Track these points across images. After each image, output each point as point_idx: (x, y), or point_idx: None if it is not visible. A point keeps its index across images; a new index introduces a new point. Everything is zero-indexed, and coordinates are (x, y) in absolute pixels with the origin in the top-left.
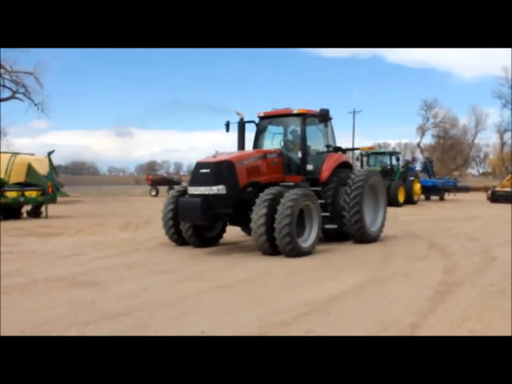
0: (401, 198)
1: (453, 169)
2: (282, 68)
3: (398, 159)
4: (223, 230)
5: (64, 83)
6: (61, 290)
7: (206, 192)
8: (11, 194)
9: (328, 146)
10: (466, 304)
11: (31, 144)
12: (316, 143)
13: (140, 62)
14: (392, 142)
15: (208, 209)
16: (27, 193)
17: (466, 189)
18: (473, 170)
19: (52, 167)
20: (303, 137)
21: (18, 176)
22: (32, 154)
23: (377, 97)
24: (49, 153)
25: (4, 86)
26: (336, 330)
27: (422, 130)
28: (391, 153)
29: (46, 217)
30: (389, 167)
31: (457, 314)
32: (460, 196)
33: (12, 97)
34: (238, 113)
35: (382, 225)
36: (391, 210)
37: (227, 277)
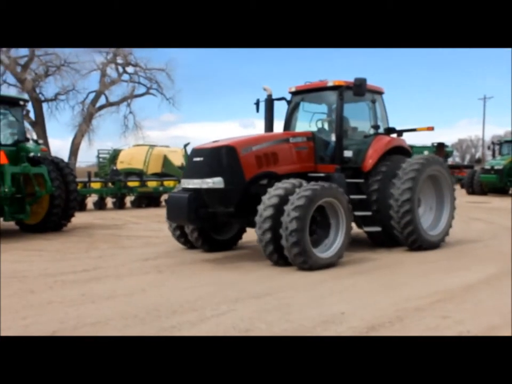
0: None
1: None
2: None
3: None
4: (241, 232)
5: (192, 78)
6: (207, 272)
7: (198, 186)
8: (151, 184)
9: (375, 127)
10: None
11: (162, 137)
12: (364, 123)
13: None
14: None
15: (199, 208)
16: (165, 183)
17: None
18: None
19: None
20: (339, 116)
21: (155, 167)
22: (167, 146)
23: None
24: (185, 145)
25: (140, 83)
26: (472, 316)
27: None
28: None
29: None
30: None
31: None
32: None
33: (146, 93)
34: (265, 89)
35: (448, 227)
36: None
37: (360, 264)
